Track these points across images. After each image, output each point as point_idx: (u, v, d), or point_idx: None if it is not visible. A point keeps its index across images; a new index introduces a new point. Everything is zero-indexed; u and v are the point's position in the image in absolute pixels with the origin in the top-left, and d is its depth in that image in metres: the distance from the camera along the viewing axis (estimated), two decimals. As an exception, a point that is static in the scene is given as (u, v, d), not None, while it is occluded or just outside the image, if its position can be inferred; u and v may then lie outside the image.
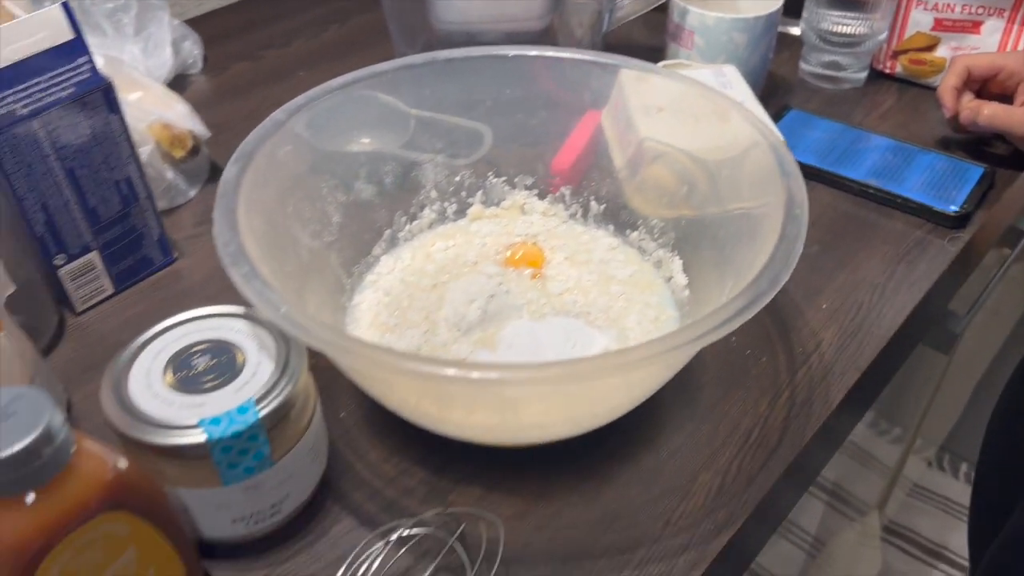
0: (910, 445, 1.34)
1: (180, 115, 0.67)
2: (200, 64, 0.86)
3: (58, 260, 0.55)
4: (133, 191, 0.57)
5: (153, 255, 0.61)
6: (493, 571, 0.41)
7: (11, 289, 0.46)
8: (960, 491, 1.58)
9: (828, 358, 0.55)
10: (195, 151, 0.68)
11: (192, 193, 0.69)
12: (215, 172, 0.72)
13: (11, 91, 0.49)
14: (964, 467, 1.63)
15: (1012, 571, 0.67)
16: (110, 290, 0.60)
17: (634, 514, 0.46)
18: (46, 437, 0.32)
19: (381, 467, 0.49)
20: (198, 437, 0.38)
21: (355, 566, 0.42)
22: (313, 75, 0.57)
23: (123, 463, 0.36)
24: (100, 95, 0.52)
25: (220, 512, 0.42)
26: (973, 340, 1.14)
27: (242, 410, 0.39)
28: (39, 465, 0.32)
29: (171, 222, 0.66)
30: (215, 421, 0.39)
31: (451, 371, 0.36)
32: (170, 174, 0.67)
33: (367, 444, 0.50)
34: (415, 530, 0.43)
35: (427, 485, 0.48)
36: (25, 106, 0.50)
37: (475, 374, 0.36)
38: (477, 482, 0.48)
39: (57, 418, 0.32)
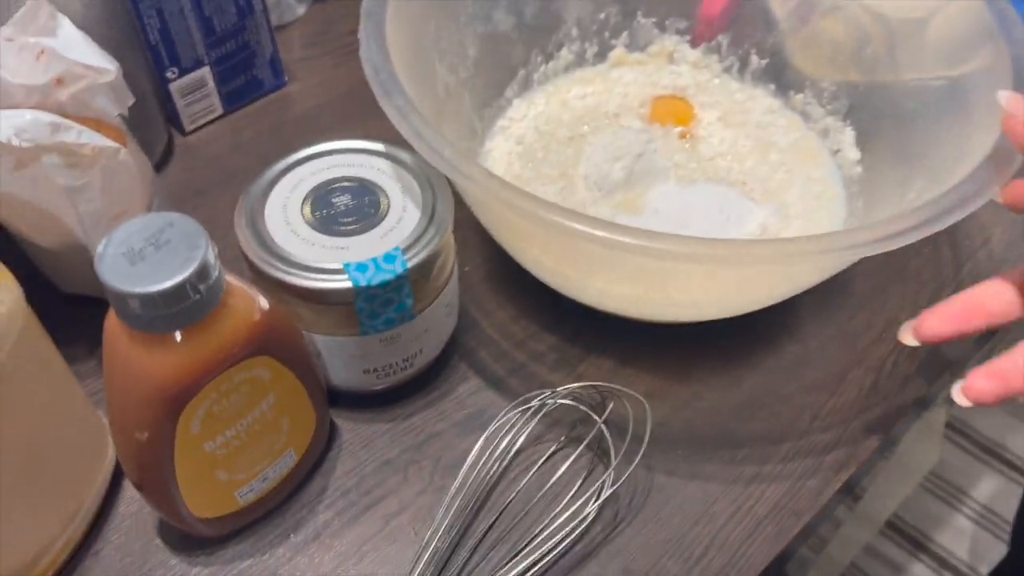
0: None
1: (295, -80, 0.60)
2: None
3: (170, 73, 0.51)
4: (250, 2, 0.52)
5: (264, 76, 0.57)
6: (639, 455, 0.39)
7: (131, 100, 0.43)
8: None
9: (997, 255, 0.50)
10: (307, -37, 0.62)
11: (301, 11, 0.64)
12: (324, -11, 0.66)
13: None
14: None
15: None
16: (219, 110, 0.56)
17: (779, 404, 0.43)
18: (202, 272, 0.29)
19: (509, 328, 0.46)
20: (343, 283, 0.36)
21: (495, 440, 0.40)
22: None
23: (265, 303, 0.33)
24: None
25: (353, 361, 0.39)
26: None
27: (389, 258, 0.36)
28: (193, 303, 0.29)
29: (280, 42, 0.61)
30: (361, 267, 0.36)
31: (606, 233, 0.32)
32: (280, -12, 0.61)
33: (493, 303, 0.47)
34: (560, 401, 0.40)
35: (557, 352, 0.45)
36: None
37: (627, 239, 0.32)
38: (610, 354, 0.45)
39: (211, 252, 0.29)
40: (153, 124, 0.53)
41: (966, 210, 0.34)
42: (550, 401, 0.40)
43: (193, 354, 0.30)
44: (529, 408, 0.40)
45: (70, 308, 0.44)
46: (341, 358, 0.39)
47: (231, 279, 0.32)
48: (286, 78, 0.59)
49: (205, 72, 0.53)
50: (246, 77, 0.56)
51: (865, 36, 0.51)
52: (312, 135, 0.56)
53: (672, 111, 0.52)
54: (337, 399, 0.42)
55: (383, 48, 0.39)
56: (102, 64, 0.38)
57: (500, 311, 0.47)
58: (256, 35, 0.54)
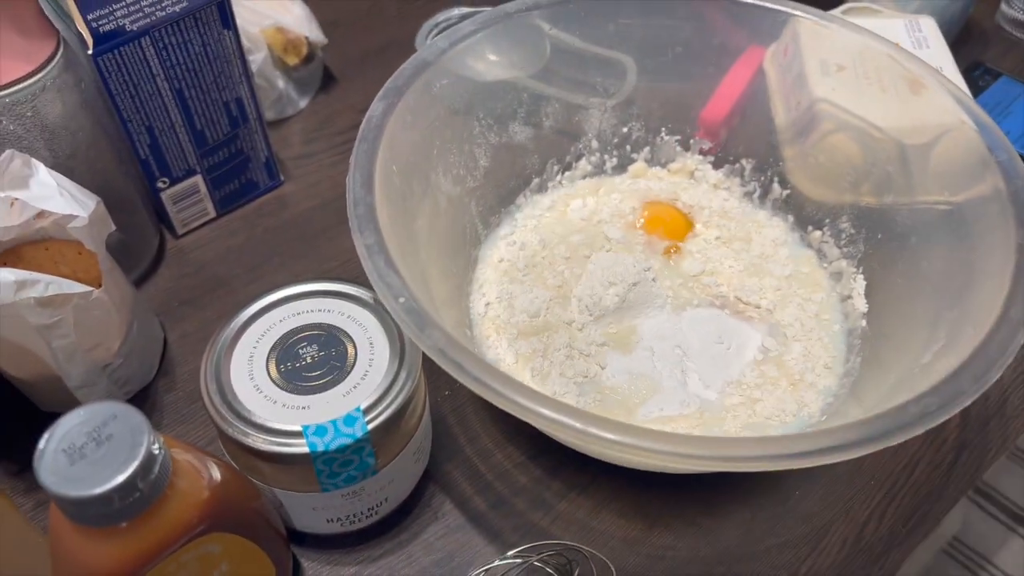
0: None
1: (296, 19, 0.61)
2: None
3: (161, 183, 0.52)
4: (243, 112, 0.52)
5: (259, 178, 0.57)
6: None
7: (110, 229, 0.43)
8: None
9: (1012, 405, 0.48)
10: (309, 58, 0.62)
11: (303, 104, 0.64)
12: (328, 80, 0.66)
13: (120, 4, 0.43)
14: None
15: None
16: (213, 214, 0.56)
17: (756, 559, 0.42)
18: (143, 470, 0.28)
19: (493, 456, 0.45)
20: (300, 447, 0.35)
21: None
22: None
23: (217, 474, 0.33)
24: (214, 9, 0.47)
25: (316, 512, 0.39)
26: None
27: (349, 420, 0.36)
28: (134, 500, 0.29)
29: (279, 137, 0.62)
30: (320, 431, 0.35)
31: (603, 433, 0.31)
32: (281, 83, 0.61)
33: (479, 426, 0.46)
34: (519, 560, 0.39)
35: (538, 486, 0.44)
36: (134, 22, 0.44)
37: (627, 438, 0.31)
38: (589, 494, 0.44)
39: (155, 446, 0.29)
40: (144, 231, 0.53)
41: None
42: (519, 560, 0.39)
43: (137, 544, 0.30)
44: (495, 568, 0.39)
45: (50, 422, 0.44)
46: (303, 509, 0.39)
47: (180, 454, 0.32)
48: (282, 178, 0.59)
49: (197, 180, 0.53)
50: (240, 181, 0.56)
51: (874, 157, 0.50)
52: (305, 240, 0.56)
53: (665, 222, 0.51)
54: (303, 539, 0.42)
55: (369, 179, 0.38)
56: (73, 211, 0.39)
57: (485, 435, 0.46)
58: (250, 142, 0.54)
